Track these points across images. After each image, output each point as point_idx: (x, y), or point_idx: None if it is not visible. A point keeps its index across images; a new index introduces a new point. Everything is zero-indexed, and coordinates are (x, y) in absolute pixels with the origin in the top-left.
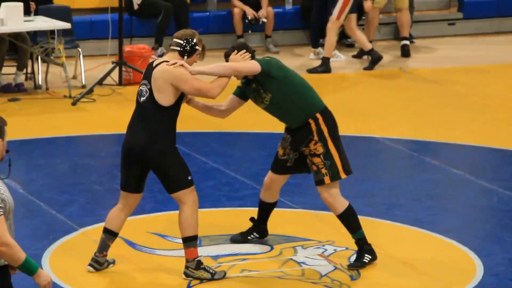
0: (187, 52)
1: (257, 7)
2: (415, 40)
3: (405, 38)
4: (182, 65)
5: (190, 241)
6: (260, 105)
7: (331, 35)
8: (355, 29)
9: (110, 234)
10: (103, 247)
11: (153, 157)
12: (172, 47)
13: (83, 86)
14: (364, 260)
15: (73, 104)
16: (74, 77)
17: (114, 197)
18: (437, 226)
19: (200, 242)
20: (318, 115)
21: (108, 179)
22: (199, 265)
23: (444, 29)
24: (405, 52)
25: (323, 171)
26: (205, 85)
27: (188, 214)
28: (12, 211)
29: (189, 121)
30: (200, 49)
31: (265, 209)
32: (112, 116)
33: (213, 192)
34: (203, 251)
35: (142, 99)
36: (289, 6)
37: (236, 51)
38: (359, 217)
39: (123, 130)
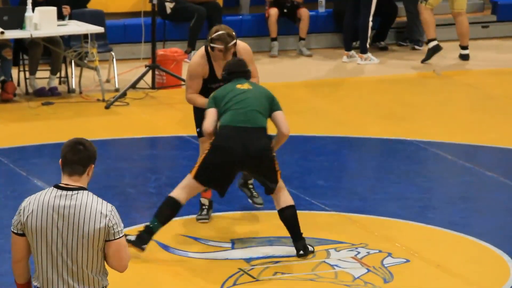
0: None
1: (291, 15)
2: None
3: (465, 48)
4: None
5: None
6: None
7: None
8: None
9: None
10: None
11: None
12: None
13: (117, 90)
14: (134, 239)
15: (106, 107)
16: (108, 81)
17: (147, 200)
18: (470, 229)
19: (233, 244)
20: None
21: (141, 182)
22: None
23: (477, 32)
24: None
25: None
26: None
27: None
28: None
29: None
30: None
31: None
32: (145, 119)
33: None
34: (236, 254)
35: None
36: (322, 10)
37: None
38: (392, 219)
39: (156, 134)
